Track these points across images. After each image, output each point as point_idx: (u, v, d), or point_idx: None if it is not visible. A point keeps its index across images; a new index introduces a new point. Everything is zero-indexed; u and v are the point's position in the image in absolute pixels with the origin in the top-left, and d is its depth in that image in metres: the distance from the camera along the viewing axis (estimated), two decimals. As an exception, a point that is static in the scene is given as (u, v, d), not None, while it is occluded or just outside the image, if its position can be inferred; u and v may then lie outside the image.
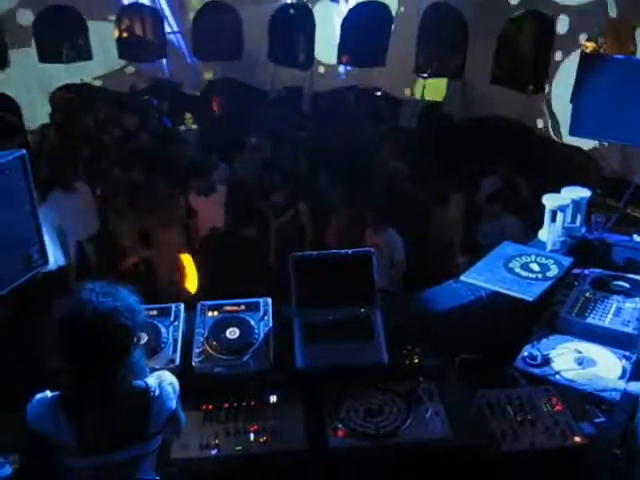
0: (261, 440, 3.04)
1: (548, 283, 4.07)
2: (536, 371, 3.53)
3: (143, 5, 11.39)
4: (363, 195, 7.72)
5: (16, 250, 3.20)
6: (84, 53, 11.04)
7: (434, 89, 11.12)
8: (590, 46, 9.01)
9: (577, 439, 3.01)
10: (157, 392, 2.57)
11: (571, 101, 5.43)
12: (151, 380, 2.59)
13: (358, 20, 10.83)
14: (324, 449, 3.00)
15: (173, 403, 2.62)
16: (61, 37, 10.77)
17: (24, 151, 3.22)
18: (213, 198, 7.54)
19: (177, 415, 2.67)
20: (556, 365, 3.54)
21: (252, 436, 3.06)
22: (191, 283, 6.54)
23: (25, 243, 3.24)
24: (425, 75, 10.92)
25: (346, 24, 10.91)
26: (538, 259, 4.31)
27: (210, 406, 3.23)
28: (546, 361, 3.56)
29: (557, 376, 3.47)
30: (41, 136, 9.65)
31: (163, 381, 2.62)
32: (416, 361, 3.45)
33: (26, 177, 3.19)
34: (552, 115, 9.50)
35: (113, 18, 11.25)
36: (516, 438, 3.03)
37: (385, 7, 10.81)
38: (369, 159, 9.18)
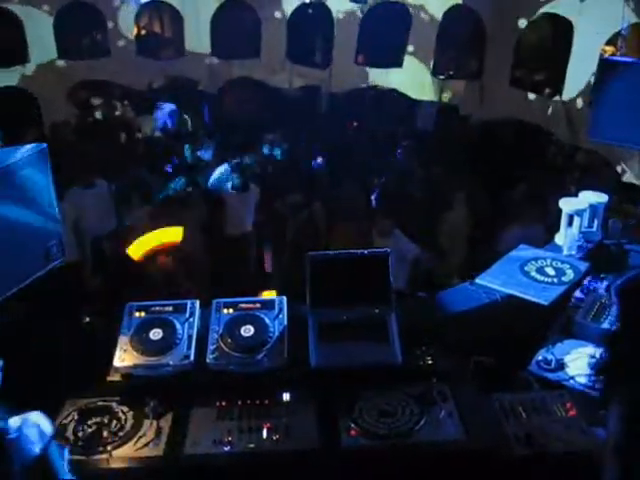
0: (274, 438, 3.04)
1: (563, 287, 4.05)
2: (550, 375, 3.51)
3: (161, 2, 11.43)
4: (373, 198, 7.77)
5: (35, 243, 3.22)
6: (103, 49, 11.10)
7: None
8: (609, 50, 8.95)
9: (591, 445, 3.00)
10: (15, 435, 2.31)
11: (590, 105, 5.41)
12: (12, 420, 2.35)
13: (376, 20, 10.82)
14: (337, 448, 3.00)
15: (36, 449, 2.32)
16: (80, 33, 10.85)
17: (44, 145, 3.24)
18: (246, 195, 7.61)
19: (48, 464, 2.37)
20: (570, 370, 3.52)
21: (265, 434, 3.06)
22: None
23: (44, 236, 3.26)
24: (443, 77, 10.90)
25: (364, 24, 10.90)
26: (554, 263, 4.29)
27: (224, 403, 3.24)
28: (560, 366, 3.54)
29: (571, 381, 3.45)
30: (60, 131, 9.71)
31: (27, 422, 2.36)
32: (430, 362, 3.44)
33: (46, 170, 3.21)
34: (570, 119, 9.45)
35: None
36: (529, 442, 3.02)
37: (404, 8, 10.78)
38: (384, 160, 9.21)
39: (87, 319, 4.25)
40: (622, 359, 2.75)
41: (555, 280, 4.11)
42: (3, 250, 3.02)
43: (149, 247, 6.63)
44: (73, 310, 5.11)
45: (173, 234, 6.83)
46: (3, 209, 3.02)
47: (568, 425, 3.11)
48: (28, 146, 3.18)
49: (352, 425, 3.08)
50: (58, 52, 10.59)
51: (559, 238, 4.64)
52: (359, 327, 3.50)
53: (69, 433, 3.06)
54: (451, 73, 11.01)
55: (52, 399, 3.22)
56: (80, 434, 3.06)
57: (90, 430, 3.08)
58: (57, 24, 10.47)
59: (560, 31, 9.49)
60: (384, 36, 10.70)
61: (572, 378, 3.46)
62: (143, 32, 11.76)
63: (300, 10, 11.14)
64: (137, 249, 6.58)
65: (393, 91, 11.44)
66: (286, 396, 3.28)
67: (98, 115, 10.82)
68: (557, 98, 9.50)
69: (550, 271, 4.20)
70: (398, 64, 10.96)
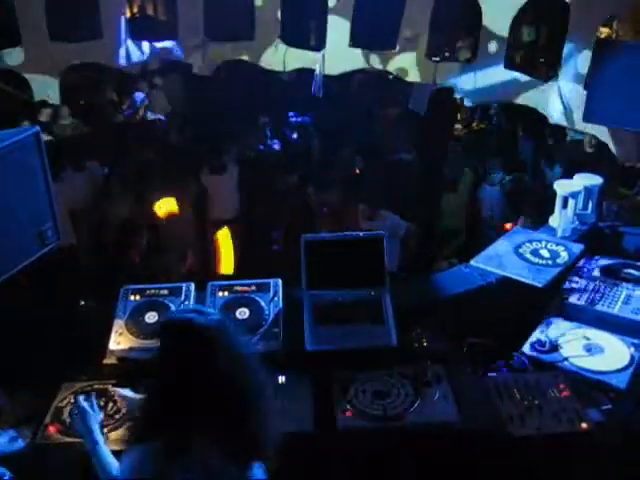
0: (270, 420, 3.06)
1: (558, 269, 4.07)
2: (544, 357, 3.52)
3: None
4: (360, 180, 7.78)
5: (29, 227, 3.22)
6: (95, 32, 10.98)
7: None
8: (605, 32, 8.90)
9: (584, 425, 3.02)
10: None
11: (585, 87, 5.38)
12: None
13: (370, 2, 10.72)
14: (332, 429, 3.02)
15: None
16: (72, 16, 10.72)
17: (38, 128, 3.23)
18: (226, 177, 7.56)
19: None
20: (564, 351, 3.53)
21: (260, 416, 3.08)
22: (227, 264, 6.65)
23: (39, 220, 3.26)
24: (437, 59, 10.83)
25: (357, 5, 10.81)
26: (548, 245, 4.30)
27: (219, 385, 3.25)
28: (554, 347, 3.55)
29: (565, 362, 3.47)
30: (52, 115, 9.64)
31: None
32: (425, 344, 3.47)
33: (40, 154, 3.20)
34: (565, 101, 9.41)
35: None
36: (523, 423, 3.05)
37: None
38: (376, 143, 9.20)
39: (82, 302, 4.25)
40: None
41: (550, 262, 4.12)
42: (-3, 233, 3.02)
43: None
44: (69, 293, 5.10)
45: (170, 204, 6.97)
46: (-3, 192, 3.01)
47: (562, 406, 3.13)
48: (21, 129, 3.17)
49: (347, 406, 3.10)
50: (49, 34, 10.47)
51: (553, 220, 4.65)
52: (354, 309, 3.52)
53: (65, 416, 3.07)
54: (446, 55, 10.92)
55: (48, 382, 3.23)
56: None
57: (86, 413, 3.09)
58: (49, 6, 10.37)
59: (556, 12, 9.42)
60: (378, 18, 10.62)
61: (566, 359, 3.47)
62: (136, 14, 11.62)
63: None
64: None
65: (387, 73, 11.38)
66: (282, 378, 3.29)
67: (91, 98, 10.74)
68: (553, 80, 9.45)
69: (545, 253, 4.22)
70: (392, 46, 10.88)
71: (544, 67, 9.57)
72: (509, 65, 9.87)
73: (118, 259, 6.48)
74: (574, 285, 4.00)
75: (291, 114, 9.90)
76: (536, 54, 9.95)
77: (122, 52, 10.53)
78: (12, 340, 3.35)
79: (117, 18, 10.84)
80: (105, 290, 3.94)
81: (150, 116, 9.89)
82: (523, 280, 3.96)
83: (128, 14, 11.24)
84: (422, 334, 3.49)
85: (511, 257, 4.18)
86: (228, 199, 7.52)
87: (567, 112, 9.23)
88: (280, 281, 3.66)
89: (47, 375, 3.24)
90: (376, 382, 3.24)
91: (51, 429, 2.99)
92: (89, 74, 11.05)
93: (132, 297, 3.58)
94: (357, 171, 8.47)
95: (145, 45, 10.30)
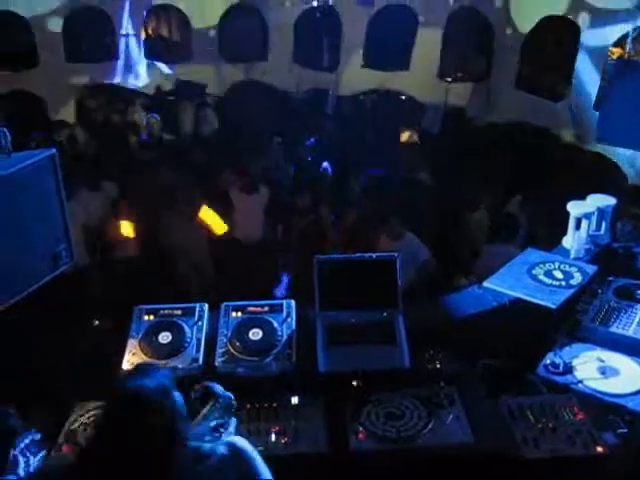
0: (282, 441, 3.06)
1: (571, 291, 4.04)
2: (558, 379, 3.51)
3: (170, 6, 11.46)
4: (378, 198, 7.76)
5: (44, 248, 3.25)
6: (111, 53, 11.13)
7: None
8: (617, 51, 8.90)
9: (599, 449, 2.99)
10: None
11: (595, 108, 5.36)
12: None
13: (383, 23, 10.81)
14: (345, 451, 3.02)
15: None
16: (88, 37, 10.88)
17: (54, 150, 3.27)
18: (255, 197, 7.61)
19: None
20: (578, 374, 3.51)
21: (273, 437, 3.08)
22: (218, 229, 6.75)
23: (53, 241, 3.29)
24: (449, 80, 10.88)
25: (371, 27, 10.90)
26: (562, 267, 4.28)
27: (232, 406, 3.26)
28: (568, 369, 3.54)
29: (579, 385, 3.44)
30: (67, 135, 9.75)
31: None
32: (438, 366, 3.46)
33: (55, 176, 3.24)
34: (576, 121, 9.42)
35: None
36: (537, 445, 3.03)
37: (410, 11, 10.78)
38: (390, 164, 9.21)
39: (96, 322, 4.27)
40: None
41: (563, 283, 4.10)
42: (13, 254, 3.05)
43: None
44: (83, 313, 5.13)
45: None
46: (13, 213, 3.05)
47: (576, 429, 3.11)
48: (37, 151, 3.21)
49: (360, 428, 3.09)
50: (65, 55, 10.63)
51: (567, 241, 4.63)
52: (367, 330, 3.52)
53: (79, 437, 3.07)
54: (458, 75, 10.97)
55: (62, 402, 3.25)
56: (90, 437, 3.07)
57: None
58: (66, 28, 10.55)
59: (567, 33, 9.45)
60: (390, 39, 10.70)
61: (580, 382, 3.45)
62: (151, 35, 11.76)
63: (308, 13, 11.15)
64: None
65: (399, 94, 11.44)
66: (294, 399, 3.30)
67: (107, 118, 10.87)
68: (564, 101, 9.46)
69: (558, 274, 4.19)
70: (405, 67, 10.94)
71: (555, 87, 9.57)
72: (520, 85, 9.93)
73: (131, 278, 6.50)
74: (588, 306, 3.98)
75: (304, 134, 9.94)
76: (547, 74, 9.96)
77: (138, 73, 10.65)
78: (25, 360, 3.38)
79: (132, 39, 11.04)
80: (119, 309, 3.95)
81: (165, 137, 9.97)
82: (536, 301, 3.94)
83: (143, 35, 11.41)
84: (435, 355, 3.48)
85: (524, 278, 4.16)
86: (254, 218, 7.57)
87: (578, 132, 9.28)
88: (293, 302, 3.67)
89: (60, 395, 3.26)
90: (389, 404, 3.24)
91: (65, 449, 3.01)
92: (105, 94, 11.20)
93: (146, 317, 3.60)
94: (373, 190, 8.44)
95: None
